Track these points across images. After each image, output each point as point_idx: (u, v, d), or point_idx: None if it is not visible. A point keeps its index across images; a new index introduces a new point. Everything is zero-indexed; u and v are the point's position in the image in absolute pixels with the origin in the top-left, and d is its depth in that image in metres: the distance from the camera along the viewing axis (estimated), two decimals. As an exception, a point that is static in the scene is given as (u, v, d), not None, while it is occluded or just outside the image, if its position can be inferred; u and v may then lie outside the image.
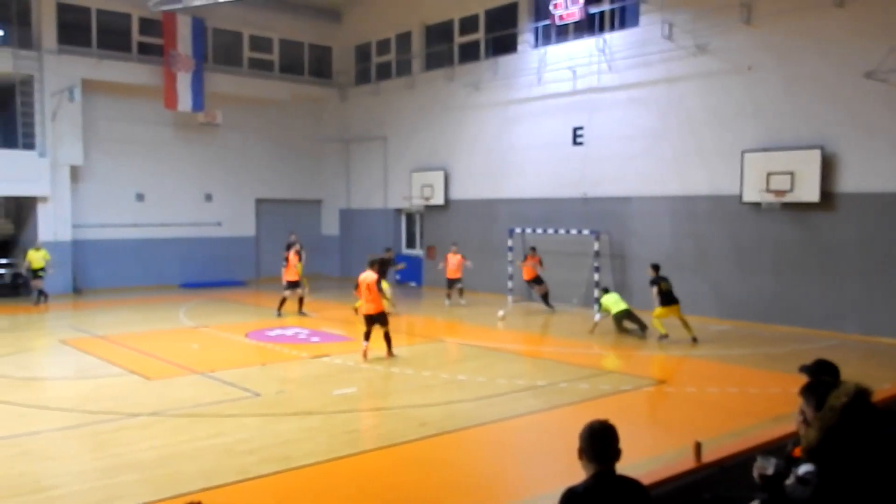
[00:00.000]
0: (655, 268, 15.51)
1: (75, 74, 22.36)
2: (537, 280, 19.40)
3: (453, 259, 20.63)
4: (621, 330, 15.87)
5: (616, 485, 3.83)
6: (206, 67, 24.82)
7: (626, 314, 15.78)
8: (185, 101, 24.12)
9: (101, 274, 23.60)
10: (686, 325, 14.92)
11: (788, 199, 16.08)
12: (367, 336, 13.14)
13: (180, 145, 25.40)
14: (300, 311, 18.44)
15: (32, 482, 7.19)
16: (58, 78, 22.15)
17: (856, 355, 13.00)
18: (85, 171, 23.28)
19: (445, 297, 20.67)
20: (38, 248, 20.56)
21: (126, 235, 24.30)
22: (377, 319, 13.13)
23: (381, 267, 14.90)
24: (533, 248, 19.80)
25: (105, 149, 23.76)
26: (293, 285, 18.60)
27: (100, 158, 23.64)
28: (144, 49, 24.31)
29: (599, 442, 3.84)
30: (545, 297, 19.32)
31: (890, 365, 11.04)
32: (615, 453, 3.84)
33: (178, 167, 25.35)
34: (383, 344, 13.12)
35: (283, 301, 18.51)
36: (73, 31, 22.88)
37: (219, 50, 26.01)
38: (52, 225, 22.35)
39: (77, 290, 23.00)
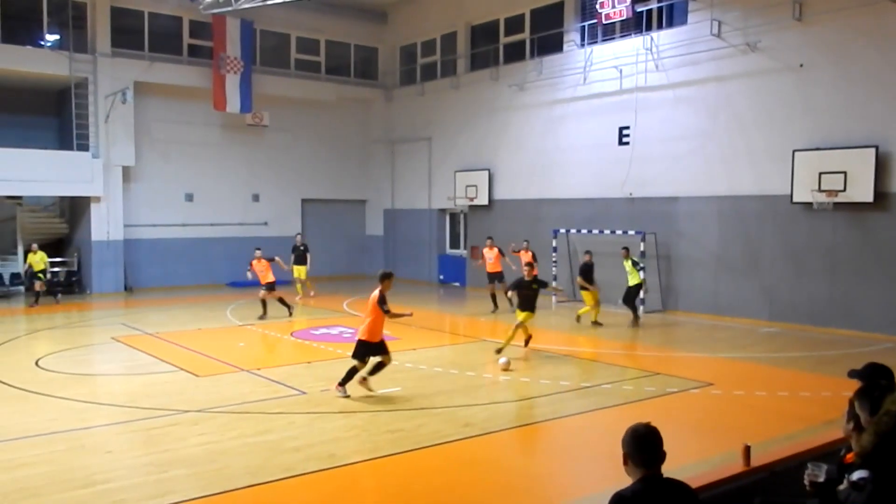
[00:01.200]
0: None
1: (128, 77, 22.86)
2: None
3: (490, 253, 20.24)
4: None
5: (664, 488, 3.77)
6: (254, 69, 25.16)
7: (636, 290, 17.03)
8: (233, 102, 24.49)
9: (151, 273, 24.09)
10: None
11: (841, 199, 15.71)
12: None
13: (228, 146, 25.80)
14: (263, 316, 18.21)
15: (85, 476, 7.37)
16: (111, 81, 22.67)
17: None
18: (136, 171, 23.79)
19: (491, 298, 19.67)
20: (35, 251, 20.54)
21: (175, 235, 24.75)
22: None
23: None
24: (527, 242, 19.91)
25: (156, 150, 24.26)
26: (270, 287, 18.52)
27: (151, 159, 24.14)
28: (194, 51, 24.76)
29: (644, 445, 3.77)
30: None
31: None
32: (660, 456, 3.78)
33: (226, 168, 25.76)
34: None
35: (266, 302, 18.54)
36: (126, 34, 23.39)
37: (266, 52, 26.35)
38: (104, 225, 22.88)
39: (128, 289, 23.51)
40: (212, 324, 17.44)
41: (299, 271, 22.00)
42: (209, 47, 24.53)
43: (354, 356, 10.67)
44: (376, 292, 10.53)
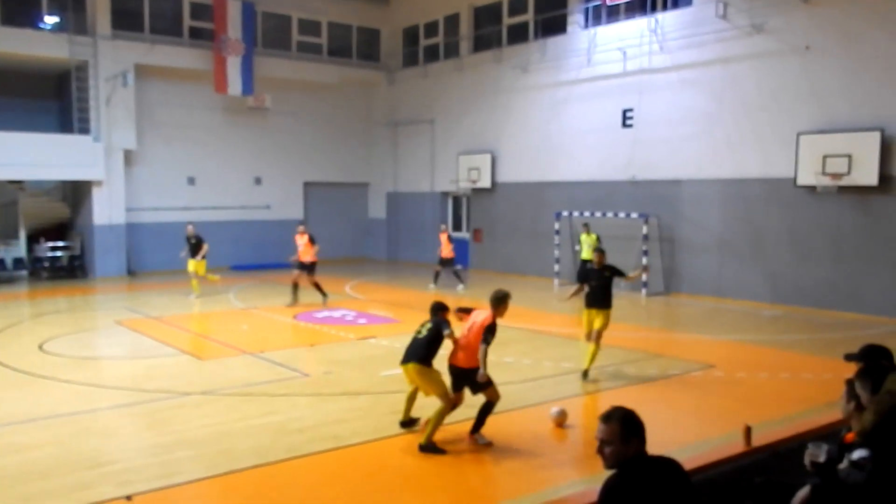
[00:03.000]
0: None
1: (128, 60, 22.77)
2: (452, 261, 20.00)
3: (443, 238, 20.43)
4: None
5: (653, 467, 3.81)
6: (256, 51, 25.07)
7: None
8: (234, 85, 24.42)
9: (153, 257, 24.10)
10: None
11: (845, 182, 15.68)
12: None
13: (230, 129, 25.75)
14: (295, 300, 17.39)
15: (92, 458, 7.43)
16: (112, 63, 22.58)
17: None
18: (138, 155, 23.76)
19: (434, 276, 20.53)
20: None
21: (178, 219, 24.67)
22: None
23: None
24: (445, 224, 20.45)
25: (157, 133, 24.21)
26: (307, 268, 17.71)
27: (152, 143, 24.10)
28: (195, 34, 24.65)
29: (627, 428, 3.81)
30: (439, 275, 20.02)
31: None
32: (642, 437, 3.81)
33: (228, 151, 25.72)
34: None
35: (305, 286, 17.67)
36: (127, 16, 23.26)
37: (268, 34, 26.24)
38: (106, 208, 22.88)
39: (131, 273, 23.55)
40: (215, 307, 17.48)
41: (195, 266, 18.89)
42: (210, 29, 24.42)
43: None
44: (485, 316, 8.04)
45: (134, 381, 10.59)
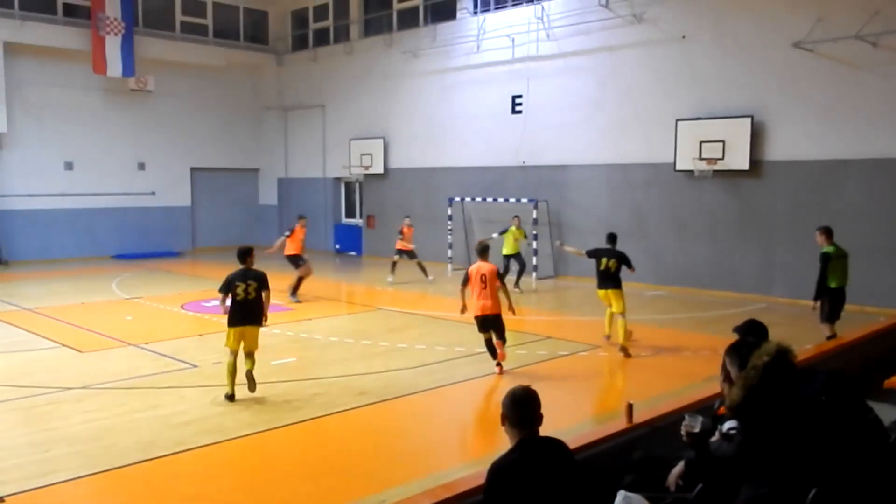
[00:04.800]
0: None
1: (-4, 37, 21.43)
2: (412, 253, 18.91)
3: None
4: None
5: (541, 448, 3.94)
6: (137, 31, 24.01)
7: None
8: (114, 66, 23.33)
9: (29, 245, 22.86)
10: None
11: (720, 167, 16.46)
12: None
13: (111, 112, 24.61)
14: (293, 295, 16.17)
15: (-41, 459, 7.00)
16: (-23, 41, 21.19)
17: (783, 318, 13.46)
18: (9, 138, 22.41)
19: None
20: None
21: (55, 205, 23.54)
22: None
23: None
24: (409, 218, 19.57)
25: (30, 115, 22.88)
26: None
27: (24, 125, 22.76)
28: (70, 11, 23.37)
29: (521, 408, 3.95)
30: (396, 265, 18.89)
31: (814, 327, 11.46)
32: (537, 418, 3.96)
33: (110, 134, 24.57)
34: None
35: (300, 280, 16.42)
36: (-6, -10, 21.89)
37: (149, 13, 25.16)
38: (-26, 194, 21.54)
39: (2, 262, 22.25)
40: (96, 297, 16.75)
41: None
42: (87, 7, 23.21)
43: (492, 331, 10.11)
44: (488, 267, 10.00)
45: (7, 376, 10.03)
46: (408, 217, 19.77)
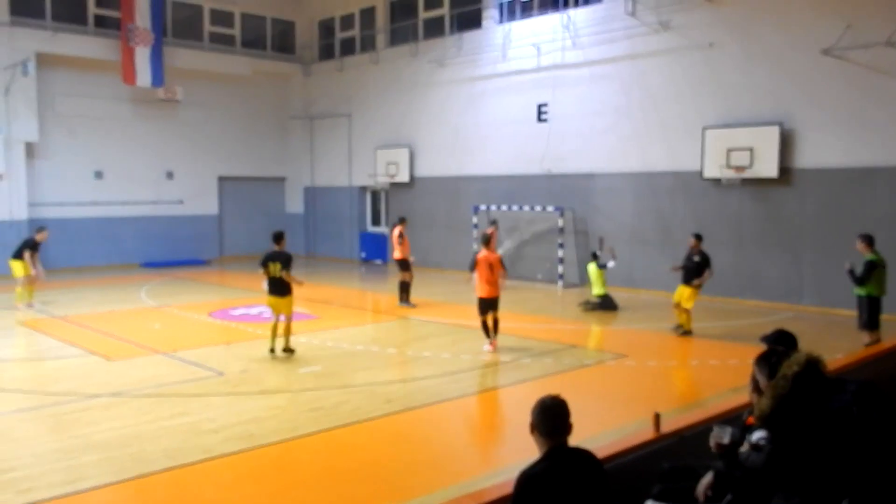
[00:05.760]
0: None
1: (29, 48, 21.77)
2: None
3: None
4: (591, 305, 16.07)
5: (570, 458, 3.91)
6: (166, 42, 24.33)
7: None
8: (143, 76, 23.65)
9: (59, 253, 23.15)
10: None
11: (748, 174, 16.30)
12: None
13: (140, 122, 24.93)
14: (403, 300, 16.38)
15: (-9, 464, 7.09)
16: (10, 51, 21.52)
17: (812, 327, 13.29)
18: (41, 148, 22.77)
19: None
20: None
21: (85, 214, 23.86)
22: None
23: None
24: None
25: (62, 125, 23.23)
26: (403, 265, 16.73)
27: (56, 135, 23.12)
28: (101, 22, 23.73)
29: (551, 417, 3.93)
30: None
31: (844, 336, 11.31)
32: (567, 427, 3.93)
33: (138, 144, 24.89)
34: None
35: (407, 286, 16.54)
36: (26, 2, 22.25)
37: (178, 24, 25.49)
38: (6, 203, 21.85)
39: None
40: (125, 305, 16.93)
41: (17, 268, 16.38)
42: (117, 18, 23.57)
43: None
44: (495, 256, 11.91)
45: (37, 383, 10.17)
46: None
